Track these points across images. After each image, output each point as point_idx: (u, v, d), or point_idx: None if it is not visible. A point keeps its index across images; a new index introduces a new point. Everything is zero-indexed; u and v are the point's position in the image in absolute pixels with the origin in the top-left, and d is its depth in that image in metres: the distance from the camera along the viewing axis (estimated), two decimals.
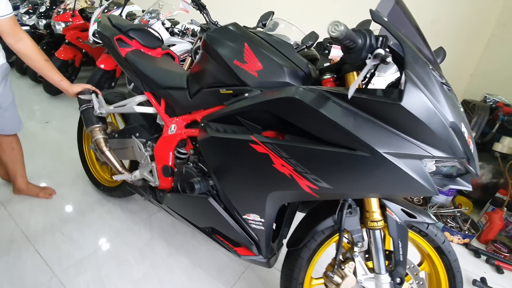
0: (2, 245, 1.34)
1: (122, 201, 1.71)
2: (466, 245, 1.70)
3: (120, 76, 2.85)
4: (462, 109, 0.77)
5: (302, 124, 0.74)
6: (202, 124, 1.01)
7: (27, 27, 3.32)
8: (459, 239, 1.70)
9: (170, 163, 1.20)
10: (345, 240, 0.95)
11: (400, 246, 0.86)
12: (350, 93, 0.64)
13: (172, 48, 2.32)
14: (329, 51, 2.48)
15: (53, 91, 3.06)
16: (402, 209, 0.88)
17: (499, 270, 1.55)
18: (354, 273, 0.89)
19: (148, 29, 1.45)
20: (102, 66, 2.59)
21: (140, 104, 1.31)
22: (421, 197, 1.96)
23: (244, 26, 2.13)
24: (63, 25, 2.83)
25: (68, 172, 1.93)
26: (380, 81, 1.01)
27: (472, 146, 0.72)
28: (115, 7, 2.61)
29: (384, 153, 0.65)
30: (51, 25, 2.89)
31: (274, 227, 1.03)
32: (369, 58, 0.75)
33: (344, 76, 0.83)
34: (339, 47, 1.82)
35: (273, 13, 1.95)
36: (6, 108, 1.38)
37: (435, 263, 0.96)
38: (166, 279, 1.28)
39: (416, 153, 0.66)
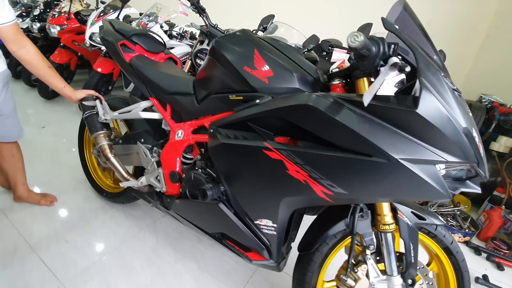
0: (6, 254, 1.32)
1: (125, 207, 1.70)
2: (466, 243, 1.74)
3: (117, 79, 2.82)
4: (470, 114, 0.79)
5: (317, 130, 0.75)
6: (211, 130, 1.01)
7: None
8: (459, 237, 1.74)
9: (177, 169, 1.19)
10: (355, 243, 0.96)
11: (411, 248, 0.88)
12: (367, 101, 0.65)
13: (170, 51, 2.31)
14: (327, 53, 2.50)
15: (48, 95, 3.02)
16: (412, 212, 0.90)
17: (500, 267, 1.59)
18: (367, 275, 0.91)
19: (151, 33, 1.44)
20: (99, 69, 2.56)
21: (145, 109, 1.30)
22: None
23: (244, 29, 2.13)
24: (58, 28, 2.78)
25: (68, 178, 1.90)
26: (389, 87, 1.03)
27: (481, 150, 0.74)
28: (111, 10, 2.58)
29: (400, 159, 0.66)
30: (46, 28, 2.85)
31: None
32: (381, 65, 0.77)
33: (355, 82, 0.85)
34: (340, 50, 1.83)
35: (273, 16, 1.96)
36: (8, 115, 1.36)
37: (443, 263, 0.98)
38: (175, 285, 1.28)
39: (431, 158, 0.67)
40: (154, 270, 1.34)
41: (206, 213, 1.10)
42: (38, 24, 3.10)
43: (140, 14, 2.66)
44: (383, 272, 0.92)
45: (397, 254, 0.93)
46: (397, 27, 0.73)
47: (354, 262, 0.94)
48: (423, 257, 0.98)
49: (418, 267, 0.94)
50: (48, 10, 3.12)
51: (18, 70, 3.25)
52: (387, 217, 0.87)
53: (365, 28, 1.63)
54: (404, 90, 0.80)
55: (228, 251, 1.13)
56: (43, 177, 1.87)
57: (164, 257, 1.41)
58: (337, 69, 0.95)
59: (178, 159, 1.19)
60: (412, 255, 0.88)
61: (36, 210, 1.60)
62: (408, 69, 0.61)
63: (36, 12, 3.11)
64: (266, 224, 0.96)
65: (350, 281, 0.90)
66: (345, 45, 2.22)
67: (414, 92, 0.68)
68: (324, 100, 0.74)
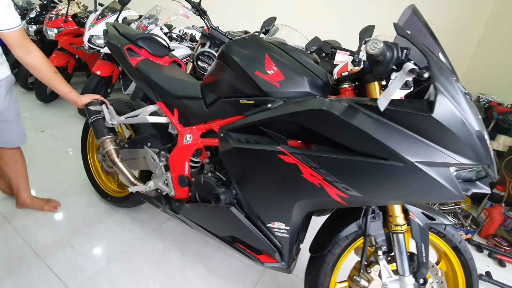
0: (12, 262, 1.30)
1: (130, 211, 1.69)
2: (468, 240, 1.78)
3: (116, 82, 2.80)
4: (480, 117, 0.80)
5: (332, 135, 0.76)
6: (222, 134, 1.01)
7: None
8: (461, 235, 1.77)
9: (186, 173, 1.20)
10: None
11: (422, 248, 0.90)
12: (383, 106, 0.67)
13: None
14: (327, 54, 2.52)
15: (45, 98, 2.98)
16: (422, 212, 0.92)
17: (502, 264, 1.63)
18: (379, 276, 0.92)
19: (155, 37, 1.43)
20: (98, 72, 2.54)
21: (151, 114, 1.30)
22: None
23: (246, 31, 2.14)
24: (55, 31, 2.75)
25: (71, 182, 1.88)
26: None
27: (491, 151, 0.76)
28: (109, 13, 2.56)
29: (416, 162, 0.68)
30: (43, 31, 2.81)
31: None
32: (393, 69, 0.78)
33: (365, 86, 0.86)
34: (344, 52, 1.85)
35: (275, 18, 1.97)
36: (11, 121, 1.35)
37: (452, 262, 1.00)
38: None
39: (445, 161, 0.68)
40: (163, 274, 1.33)
41: (217, 216, 1.10)
42: (34, 27, 3.06)
43: (140, 16, 2.64)
44: (395, 272, 0.93)
45: (408, 254, 0.95)
46: (408, 32, 0.75)
47: (366, 263, 0.96)
48: (432, 256, 1.00)
49: (428, 267, 0.96)
50: (44, 12, 3.08)
51: (14, 74, 3.19)
52: (399, 218, 0.89)
53: (368, 31, 1.66)
54: (417, 95, 0.82)
55: (237, 253, 1.13)
56: (45, 182, 1.85)
57: (172, 261, 1.41)
58: (346, 73, 0.96)
59: (186, 163, 1.19)
60: (424, 255, 0.90)
61: (40, 216, 1.59)
62: (426, 75, 0.62)
63: (32, 14, 3.07)
64: (279, 227, 0.97)
65: (363, 282, 0.91)
66: (346, 46, 2.25)
67: (428, 97, 0.70)
68: (339, 104, 0.75)
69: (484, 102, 2.17)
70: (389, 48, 0.71)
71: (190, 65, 2.18)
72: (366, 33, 1.61)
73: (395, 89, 0.64)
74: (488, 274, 1.49)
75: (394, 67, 0.76)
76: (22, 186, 1.56)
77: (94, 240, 1.47)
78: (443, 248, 0.99)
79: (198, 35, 2.57)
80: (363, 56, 1.58)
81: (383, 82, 0.86)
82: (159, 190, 1.32)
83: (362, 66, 1.61)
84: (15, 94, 1.35)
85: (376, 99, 0.74)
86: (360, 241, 0.97)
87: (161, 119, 1.27)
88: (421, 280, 0.90)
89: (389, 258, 0.96)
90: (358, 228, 0.93)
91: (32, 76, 3.18)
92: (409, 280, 0.90)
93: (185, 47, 2.50)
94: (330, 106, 0.75)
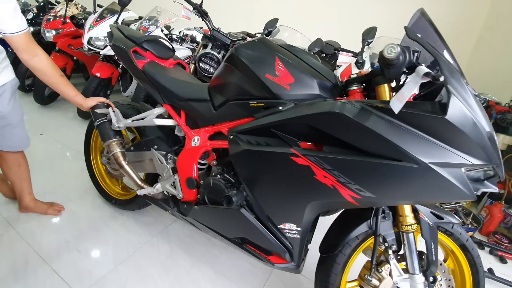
0: (17, 267, 1.29)
1: (135, 214, 1.69)
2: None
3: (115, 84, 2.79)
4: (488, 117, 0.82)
5: (346, 137, 0.77)
6: (231, 137, 1.02)
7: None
8: None
9: (194, 175, 1.20)
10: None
11: (432, 246, 0.91)
12: (397, 108, 0.68)
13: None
14: (326, 55, 2.53)
15: (44, 100, 2.95)
16: (431, 212, 0.94)
17: (503, 260, 1.66)
18: (390, 275, 0.93)
19: (160, 39, 1.43)
20: (98, 74, 2.53)
21: (158, 116, 1.30)
22: None
23: (248, 33, 2.14)
24: (54, 32, 2.72)
25: (73, 185, 1.87)
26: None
27: (499, 152, 0.78)
28: (109, 14, 2.55)
29: (430, 163, 0.69)
30: (41, 32, 2.78)
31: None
32: (404, 72, 0.80)
33: (375, 88, 0.87)
34: (346, 53, 1.87)
35: (277, 20, 1.98)
36: (15, 125, 1.33)
37: (459, 260, 1.02)
38: None
39: (458, 161, 0.70)
40: (171, 277, 1.33)
41: (227, 218, 1.10)
42: (31, 29, 3.02)
43: (139, 17, 2.63)
44: (405, 270, 0.95)
45: (417, 252, 0.96)
46: (419, 35, 0.76)
47: (377, 262, 0.97)
48: (439, 254, 1.02)
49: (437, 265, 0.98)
50: (41, 14, 3.05)
51: None
52: (409, 218, 0.90)
53: (370, 32, 1.68)
54: (427, 96, 0.83)
55: (244, 254, 1.14)
56: (47, 186, 1.83)
57: (179, 263, 1.41)
58: (355, 75, 0.97)
59: (194, 165, 1.20)
60: (433, 253, 0.91)
61: (44, 220, 1.57)
62: (442, 78, 0.63)
63: (29, 16, 3.04)
64: (290, 228, 0.98)
65: (374, 281, 0.93)
66: (345, 47, 2.27)
67: (440, 99, 0.71)
68: (352, 107, 0.76)
69: (483, 102, 2.21)
70: (403, 52, 0.72)
71: (192, 67, 2.17)
72: (369, 34, 1.63)
73: (410, 92, 0.65)
74: (490, 270, 1.52)
75: (404, 69, 0.78)
76: (26, 190, 1.55)
77: (100, 244, 1.46)
78: (450, 246, 1.01)
79: (198, 36, 2.57)
80: (366, 57, 1.60)
81: (393, 84, 0.87)
82: (166, 193, 1.32)
83: (370, 68, 1.64)
84: (19, 97, 1.34)
85: (388, 101, 0.76)
86: (369, 241, 0.99)
87: (168, 122, 1.27)
88: (431, 278, 0.92)
89: (398, 257, 0.98)
90: (369, 228, 0.95)
91: (30, 78, 3.17)
92: (419, 278, 0.91)
93: (186, 48, 2.49)
94: (344, 109, 0.76)
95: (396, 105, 0.68)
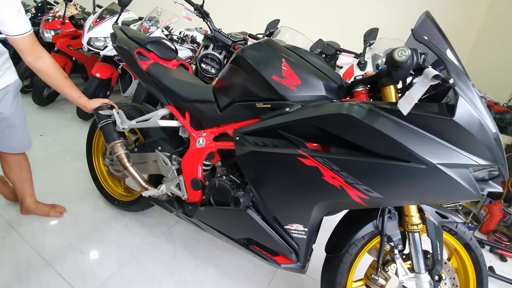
0: (20, 270, 1.28)
1: (137, 215, 1.68)
2: None
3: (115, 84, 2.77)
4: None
5: (354, 138, 0.77)
6: (238, 138, 1.02)
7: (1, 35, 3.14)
8: None
9: (199, 176, 1.20)
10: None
11: (437, 246, 0.92)
12: (406, 110, 0.69)
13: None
14: (326, 55, 2.55)
15: (42, 101, 2.92)
16: (436, 211, 0.95)
17: (503, 259, 1.68)
18: (396, 274, 0.94)
19: (163, 40, 1.43)
20: (98, 75, 2.52)
21: (162, 117, 1.30)
22: None
23: (249, 34, 2.15)
24: (52, 33, 2.70)
25: (74, 187, 1.86)
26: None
27: (504, 152, 0.79)
28: (108, 15, 2.53)
29: (438, 164, 0.70)
30: (40, 33, 2.76)
31: None
32: (411, 74, 0.81)
33: (381, 89, 0.88)
34: (348, 54, 1.88)
35: (279, 21, 1.98)
36: (18, 126, 1.33)
37: (463, 258, 1.04)
38: None
39: (465, 162, 0.71)
40: (175, 278, 1.33)
41: (233, 219, 1.11)
42: None
43: (139, 18, 2.62)
44: (410, 270, 0.96)
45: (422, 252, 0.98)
46: (425, 37, 0.78)
47: (383, 262, 0.98)
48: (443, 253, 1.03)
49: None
50: (39, 14, 3.02)
51: None
52: (415, 217, 0.91)
53: (372, 33, 1.69)
54: (433, 98, 0.84)
55: (248, 255, 1.14)
56: (48, 188, 1.82)
57: (184, 264, 1.41)
58: (360, 76, 0.98)
59: (199, 166, 1.20)
60: (439, 252, 0.93)
61: (46, 222, 1.56)
62: (452, 81, 0.64)
63: (28, 16, 3.00)
64: (297, 229, 0.98)
65: (381, 280, 0.94)
66: (344, 47, 2.28)
67: (448, 101, 0.73)
68: (360, 108, 0.77)
69: None
70: (412, 54, 0.73)
71: (193, 67, 2.17)
72: (371, 35, 1.64)
73: (419, 94, 0.66)
74: (491, 269, 1.54)
75: (412, 72, 0.79)
76: (27, 192, 1.54)
77: (103, 245, 1.46)
78: (454, 245, 1.03)
79: (198, 37, 2.56)
80: (368, 58, 1.61)
81: (398, 85, 0.88)
82: (170, 194, 1.32)
83: (372, 69, 1.65)
84: (21, 99, 1.33)
85: (395, 103, 0.77)
86: (375, 241, 1.00)
87: (172, 123, 1.27)
88: (436, 277, 0.93)
89: (403, 256, 0.99)
90: (375, 228, 0.96)
91: (28, 79, 3.14)
92: (425, 277, 0.93)
93: (186, 49, 2.49)
94: (352, 110, 0.77)
95: (405, 107, 0.69)
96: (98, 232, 1.54)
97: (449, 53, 0.85)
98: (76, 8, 2.87)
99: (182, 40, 2.47)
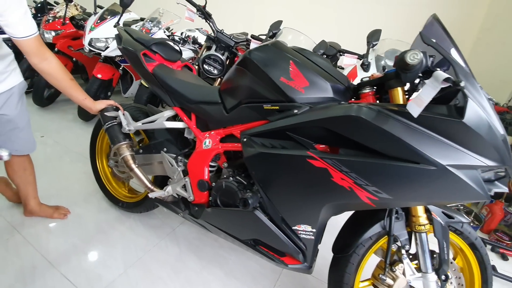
0: (25, 272, 1.28)
1: (141, 217, 1.68)
2: None
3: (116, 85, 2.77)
4: None
5: (364, 140, 0.78)
6: (245, 139, 1.03)
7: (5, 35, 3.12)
8: None
9: (205, 178, 1.20)
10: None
11: (444, 245, 0.94)
12: (416, 112, 0.69)
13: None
14: (328, 56, 2.56)
15: (43, 102, 2.91)
16: (442, 212, 0.96)
17: (504, 257, 1.70)
18: (403, 274, 0.95)
19: (168, 41, 1.43)
20: (99, 76, 2.51)
21: (168, 119, 1.30)
22: None
23: (252, 35, 2.15)
24: (53, 33, 2.69)
25: (77, 189, 1.85)
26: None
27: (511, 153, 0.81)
28: (109, 16, 2.53)
29: (447, 166, 0.71)
30: (40, 33, 2.74)
31: None
32: (420, 76, 0.81)
33: (389, 91, 0.89)
34: (351, 56, 1.88)
35: (281, 22, 1.99)
36: (23, 128, 1.32)
37: (468, 258, 1.05)
38: None
39: (473, 163, 0.72)
40: (181, 279, 1.34)
41: (240, 220, 1.11)
42: None
43: (141, 19, 2.62)
44: (417, 269, 0.97)
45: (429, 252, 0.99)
46: (434, 40, 0.78)
47: (390, 262, 0.99)
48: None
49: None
50: (39, 15, 3.01)
51: None
52: (422, 218, 0.92)
53: (375, 34, 1.70)
54: (440, 100, 0.85)
55: (254, 255, 1.14)
56: (51, 189, 1.81)
57: (189, 265, 1.41)
58: (367, 78, 0.99)
59: (206, 167, 1.20)
60: (445, 252, 0.94)
61: (50, 224, 1.56)
62: (463, 84, 0.65)
63: None
64: (305, 230, 0.99)
65: (389, 280, 0.94)
66: (346, 48, 2.29)
67: (457, 103, 0.74)
68: (370, 110, 0.78)
69: None
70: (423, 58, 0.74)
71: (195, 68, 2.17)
72: (374, 36, 1.65)
73: (429, 97, 0.67)
74: (493, 268, 1.56)
75: (420, 74, 0.80)
76: (31, 194, 1.54)
77: (108, 247, 1.46)
78: (459, 244, 1.04)
79: (200, 38, 2.57)
80: (371, 59, 1.62)
81: (405, 87, 0.89)
82: (175, 195, 1.33)
83: (376, 71, 1.66)
84: (26, 100, 1.33)
85: (404, 105, 0.78)
86: (382, 241, 1.00)
87: (178, 124, 1.27)
88: (443, 277, 0.94)
89: (410, 256, 1.00)
90: (382, 228, 0.96)
91: (28, 79, 3.12)
92: (432, 277, 0.94)
93: (188, 50, 2.49)
94: (362, 112, 0.78)
95: (415, 109, 0.70)
96: (102, 234, 1.54)
97: (456, 55, 0.86)
98: (76, 9, 2.86)
99: (184, 41, 2.47)
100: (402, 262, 0.96)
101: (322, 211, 0.92)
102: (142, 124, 1.31)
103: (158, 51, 1.34)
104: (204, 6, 2.03)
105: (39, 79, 2.70)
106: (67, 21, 2.70)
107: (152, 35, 2.30)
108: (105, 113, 1.31)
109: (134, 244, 1.49)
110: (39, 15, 3.01)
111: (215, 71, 2.08)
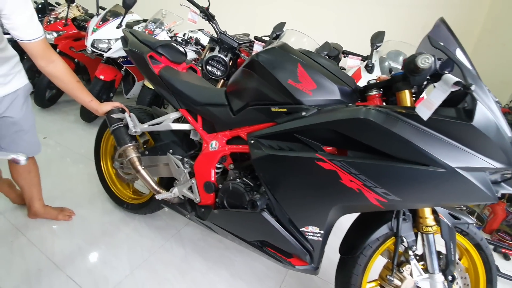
0: (30, 275, 1.28)
1: (146, 218, 1.68)
2: None
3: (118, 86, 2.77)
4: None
5: (373, 142, 0.79)
6: (252, 141, 1.03)
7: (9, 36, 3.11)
8: None
9: (212, 179, 1.21)
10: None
11: (451, 246, 0.94)
12: (426, 116, 0.70)
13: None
14: (329, 57, 2.56)
15: (44, 103, 2.91)
16: (449, 213, 0.97)
17: (506, 257, 1.72)
18: (411, 274, 0.96)
19: (173, 43, 1.44)
20: (101, 77, 2.51)
21: (174, 121, 1.31)
22: None
23: (255, 36, 2.16)
24: (55, 34, 2.69)
25: (81, 190, 1.85)
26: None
27: None
28: (112, 17, 2.53)
29: (456, 168, 0.72)
30: None
31: None
32: (428, 79, 0.82)
33: (396, 94, 0.90)
34: (355, 57, 1.89)
35: (284, 23, 1.99)
36: (27, 131, 1.33)
37: (473, 258, 1.06)
38: None
39: (482, 165, 0.73)
40: (188, 281, 1.34)
41: (248, 222, 1.12)
42: None
43: (144, 20, 2.62)
44: (424, 270, 0.98)
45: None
46: (442, 43, 0.79)
47: (397, 263, 1.00)
48: None
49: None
50: (40, 16, 3.00)
51: None
52: (429, 219, 0.93)
53: (379, 36, 1.71)
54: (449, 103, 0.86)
55: (259, 257, 1.15)
56: (54, 191, 1.81)
57: (195, 267, 1.41)
58: (373, 80, 1.00)
59: (212, 169, 1.20)
60: (452, 253, 0.95)
61: (54, 225, 1.56)
62: (473, 87, 0.66)
63: None
64: (313, 231, 1.00)
65: (396, 281, 0.95)
66: (362, 52, 2.29)
67: (466, 106, 0.74)
68: (379, 113, 0.79)
69: None
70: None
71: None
72: (377, 38, 1.66)
73: (439, 101, 0.68)
74: (496, 268, 1.57)
75: (428, 77, 0.81)
76: (35, 196, 1.54)
77: (113, 249, 1.46)
78: (465, 245, 1.05)
79: (202, 39, 2.57)
80: (375, 61, 1.63)
81: (413, 90, 0.90)
82: (181, 197, 1.33)
83: (380, 72, 1.67)
84: (31, 103, 1.33)
85: (412, 108, 0.78)
86: (389, 243, 1.01)
87: (184, 126, 1.28)
88: (450, 277, 0.95)
89: (417, 257, 1.01)
90: (389, 229, 0.97)
91: (29, 81, 3.12)
92: (439, 277, 0.94)
93: (190, 51, 2.49)
94: (371, 115, 0.78)
95: (425, 112, 0.70)
96: (107, 236, 1.54)
97: (463, 58, 0.87)
98: (78, 10, 2.86)
99: (187, 42, 2.47)
100: (409, 263, 0.96)
101: (330, 212, 0.93)
102: (149, 126, 1.32)
103: (164, 53, 1.34)
104: (208, 8, 2.04)
105: (40, 80, 2.70)
106: (69, 22, 2.70)
107: (155, 37, 2.30)
108: (112, 115, 1.31)
109: (140, 245, 1.49)
110: (39, 15, 3.00)
111: (218, 73, 2.08)
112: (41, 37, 1.09)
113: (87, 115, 2.70)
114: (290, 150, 0.95)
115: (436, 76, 0.80)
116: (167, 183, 1.44)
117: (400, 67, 1.72)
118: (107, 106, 1.32)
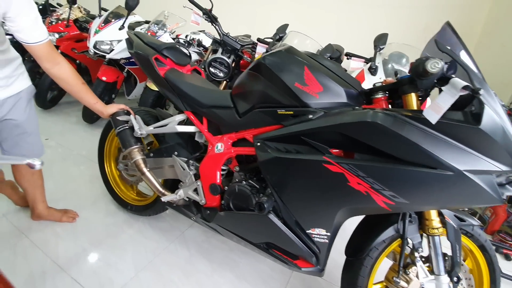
0: (35, 277, 1.27)
1: (150, 220, 1.68)
2: None
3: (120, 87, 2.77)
4: None
5: (381, 145, 0.80)
6: (258, 144, 1.04)
7: (10, 36, 3.11)
8: None
9: (218, 181, 1.21)
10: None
11: (457, 248, 0.95)
12: (434, 119, 0.71)
13: None
14: (331, 58, 2.57)
15: (45, 105, 2.90)
16: (454, 215, 0.98)
17: (508, 258, 1.73)
18: (417, 276, 0.97)
19: (177, 45, 1.44)
20: (104, 78, 2.51)
21: (179, 123, 1.31)
22: None
23: (258, 38, 2.16)
24: (56, 35, 2.69)
25: (85, 192, 1.85)
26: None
27: None
28: (114, 18, 2.53)
29: (464, 171, 0.73)
30: None
31: None
32: (435, 83, 0.83)
33: (402, 97, 0.91)
34: (358, 59, 1.90)
35: (287, 25, 2.00)
36: (31, 133, 1.32)
37: (477, 259, 1.07)
38: None
39: (489, 168, 0.74)
40: (193, 282, 1.34)
41: (254, 224, 1.12)
42: None
43: (146, 22, 2.62)
44: (430, 272, 0.98)
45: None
46: (448, 47, 0.80)
47: (403, 265, 1.00)
48: None
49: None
50: (41, 17, 2.99)
51: None
52: (435, 221, 0.94)
53: (382, 38, 1.73)
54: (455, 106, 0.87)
55: (264, 258, 1.15)
56: (57, 193, 1.81)
57: (200, 268, 1.42)
58: (379, 83, 1.01)
59: (218, 171, 1.21)
60: (458, 254, 0.95)
61: (58, 227, 1.56)
62: (482, 91, 0.67)
63: None
64: (319, 233, 1.00)
65: (402, 283, 0.96)
66: (363, 54, 2.31)
67: (473, 109, 0.75)
68: (387, 116, 0.79)
69: None
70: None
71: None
72: (381, 40, 1.67)
73: (448, 105, 0.68)
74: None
75: (435, 81, 0.82)
76: (39, 198, 1.53)
77: (118, 250, 1.46)
78: (469, 246, 1.06)
79: (204, 41, 2.58)
80: (379, 63, 1.64)
81: (419, 93, 0.90)
82: (186, 199, 1.33)
83: (384, 74, 1.68)
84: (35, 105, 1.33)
85: (419, 111, 0.79)
86: (395, 244, 1.02)
87: (190, 128, 1.28)
88: (455, 279, 0.96)
89: (423, 259, 1.01)
90: (395, 232, 0.98)
91: None
92: (445, 279, 0.95)
93: (193, 53, 2.50)
94: (379, 118, 0.79)
95: (433, 116, 0.71)
96: (112, 237, 1.54)
97: (469, 61, 0.88)
98: (80, 11, 2.86)
99: (189, 43, 2.48)
100: (415, 265, 0.97)
101: (337, 215, 0.93)
102: (154, 128, 1.32)
103: (169, 55, 1.35)
104: (211, 10, 2.04)
105: (42, 81, 2.69)
106: (71, 24, 2.69)
107: (157, 38, 2.30)
108: (117, 117, 1.32)
109: (144, 247, 1.50)
110: (41, 16, 3.00)
111: (221, 74, 2.09)
112: (46, 39, 1.09)
113: (89, 116, 2.70)
114: (297, 152, 0.96)
115: (442, 80, 0.80)
116: (171, 185, 1.44)
117: (403, 69, 1.74)
118: (112, 108, 1.32)
